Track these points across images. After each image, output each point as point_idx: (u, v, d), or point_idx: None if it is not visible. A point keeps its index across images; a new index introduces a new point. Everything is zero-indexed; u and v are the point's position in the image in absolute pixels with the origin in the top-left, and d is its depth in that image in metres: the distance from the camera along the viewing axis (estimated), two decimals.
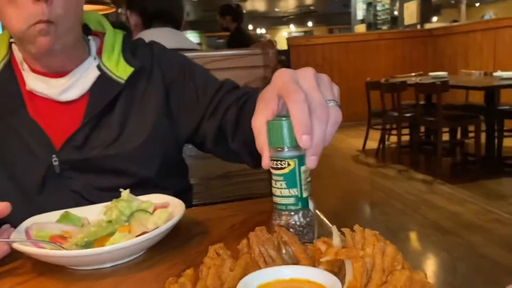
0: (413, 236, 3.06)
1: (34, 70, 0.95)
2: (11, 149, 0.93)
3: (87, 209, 0.77)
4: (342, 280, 0.44)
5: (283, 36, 18.66)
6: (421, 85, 4.39)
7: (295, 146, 0.60)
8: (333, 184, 4.20)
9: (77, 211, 0.76)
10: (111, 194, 0.91)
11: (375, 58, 7.43)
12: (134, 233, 0.64)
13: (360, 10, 11.34)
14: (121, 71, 0.98)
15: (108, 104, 0.96)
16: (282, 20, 21.85)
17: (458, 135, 4.87)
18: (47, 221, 0.72)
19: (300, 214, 0.62)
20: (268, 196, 0.65)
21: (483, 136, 4.28)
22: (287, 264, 0.52)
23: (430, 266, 2.57)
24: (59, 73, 0.95)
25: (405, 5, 8.93)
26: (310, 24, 23.26)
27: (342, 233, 0.53)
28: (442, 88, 4.07)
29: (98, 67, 0.98)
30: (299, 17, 21.43)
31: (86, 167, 0.95)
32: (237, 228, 0.74)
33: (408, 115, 4.66)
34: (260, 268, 0.48)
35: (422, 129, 4.91)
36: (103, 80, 0.97)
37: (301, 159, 0.61)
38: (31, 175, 0.93)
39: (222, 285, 0.45)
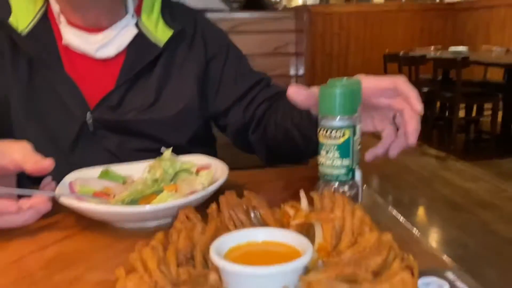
0: (424, 210, 3.07)
1: (71, 23, 0.92)
2: (46, 103, 0.92)
3: (126, 167, 0.76)
4: (311, 242, 0.45)
5: (298, 2, 18.25)
6: (440, 60, 4.30)
7: (350, 115, 0.59)
8: None
9: (116, 168, 0.76)
10: (143, 154, 0.91)
11: (393, 30, 7.25)
12: (181, 192, 0.63)
13: None
14: (160, 33, 0.96)
15: (145, 67, 0.94)
16: None
17: (473, 113, 4.80)
18: (89, 177, 0.72)
19: (348, 185, 0.61)
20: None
21: (499, 115, 4.22)
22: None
23: (441, 240, 2.59)
24: (96, 28, 0.92)
25: None
26: None
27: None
28: (462, 64, 3.98)
29: (136, 25, 0.95)
30: None
31: (120, 128, 0.94)
32: (278, 193, 0.74)
33: (425, 89, 4.58)
34: (230, 231, 0.48)
35: (437, 104, 4.84)
36: (141, 40, 0.95)
37: (355, 129, 0.60)
38: (65, 132, 0.92)
39: (194, 248, 0.45)
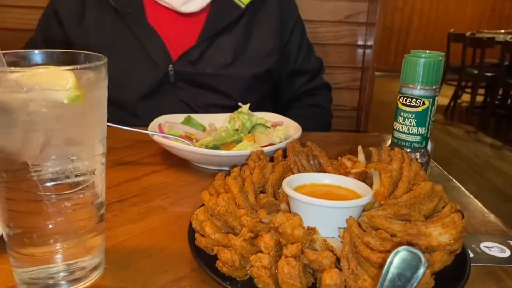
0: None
1: None
2: (128, 51, 0.99)
3: (206, 116, 0.82)
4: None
5: None
6: (510, 44, 4.07)
7: (431, 86, 0.61)
8: None
9: (197, 117, 0.82)
10: (213, 109, 0.98)
11: (460, 8, 6.86)
12: (259, 143, 0.69)
13: None
14: None
15: (226, 26, 0.99)
16: None
17: None
18: (175, 121, 0.78)
19: (420, 153, 0.64)
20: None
21: None
22: None
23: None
24: None
25: None
26: None
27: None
28: None
29: None
30: None
31: (198, 81, 1.00)
32: (340, 152, 0.78)
33: (488, 74, 4.37)
34: (293, 174, 0.54)
35: (500, 91, 4.62)
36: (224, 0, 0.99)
37: (434, 100, 0.62)
38: (147, 79, 0.99)
39: (266, 182, 0.52)
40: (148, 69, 0.99)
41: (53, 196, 0.37)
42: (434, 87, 0.62)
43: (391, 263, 0.30)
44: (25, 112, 0.35)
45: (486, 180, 3.20)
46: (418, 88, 0.61)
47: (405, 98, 0.62)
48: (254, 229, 0.42)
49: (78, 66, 0.37)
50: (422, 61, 0.60)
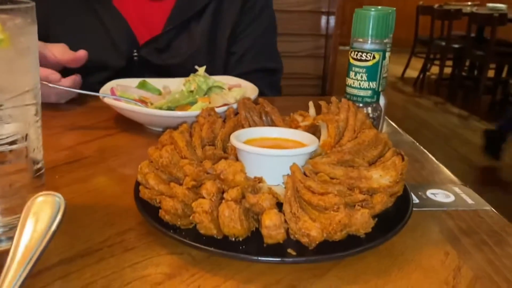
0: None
1: None
2: (92, 33, 0.92)
3: (162, 80, 0.81)
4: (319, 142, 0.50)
5: None
6: (476, 15, 4.14)
7: (381, 39, 0.61)
8: None
9: (153, 81, 0.80)
10: None
11: None
12: (214, 104, 0.68)
13: None
14: None
15: (194, 14, 0.94)
16: None
17: (504, 74, 4.67)
18: (128, 85, 0.77)
19: (372, 107, 0.65)
20: None
21: None
22: None
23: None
24: None
25: None
26: None
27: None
28: (499, 21, 3.84)
29: None
30: None
31: (163, 71, 0.95)
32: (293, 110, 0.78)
33: (456, 46, 4.45)
34: None
35: (467, 63, 4.72)
36: None
37: (384, 54, 0.62)
38: (110, 64, 0.93)
39: (215, 138, 0.51)
40: (111, 54, 0.93)
41: None
42: (384, 41, 0.62)
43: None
44: None
45: (452, 149, 3.29)
46: (369, 42, 0.61)
47: (356, 53, 0.62)
48: (198, 178, 0.41)
49: (2, 7, 0.35)
50: (372, 14, 0.60)
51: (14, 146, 0.38)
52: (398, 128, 0.78)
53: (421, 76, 4.98)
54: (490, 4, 4.98)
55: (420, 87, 4.97)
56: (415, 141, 0.72)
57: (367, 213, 0.39)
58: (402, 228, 0.42)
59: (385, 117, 0.73)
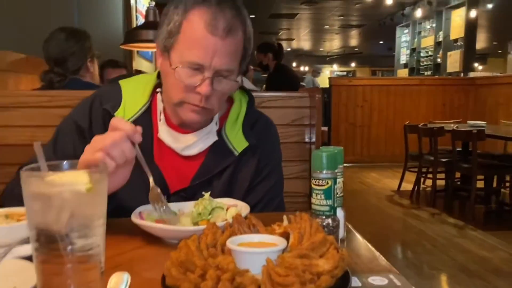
0: (440, 275, 3.18)
1: (168, 122, 1.12)
2: (134, 182, 0.99)
3: (180, 205, 1.05)
4: (288, 242, 0.73)
5: (326, 74, 19.13)
6: (457, 132, 4.55)
7: (332, 170, 0.88)
8: (366, 220, 4.37)
9: (171, 205, 1.05)
10: None
11: (415, 103, 7.59)
12: (216, 220, 0.92)
13: (403, 55, 11.56)
14: (237, 142, 1.13)
15: (217, 173, 1.12)
16: (326, 60, 22.36)
17: (495, 183, 4.93)
18: (152, 210, 1.01)
19: (331, 219, 0.89)
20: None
21: None
22: None
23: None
24: (187, 130, 1.12)
25: (449, 53, 9.09)
26: (353, 64, 23.61)
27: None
28: (478, 136, 4.21)
29: (218, 132, 1.13)
30: (343, 57, 21.85)
31: None
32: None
33: (444, 160, 4.79)
34: None
35: (458, 175, 5.01)
36: (221, 145, 1.12)
37: (335, 180, 0.88)
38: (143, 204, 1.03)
39: (216, 243, 0.74)
40: (146, 198, 1.01)
41: (72, 255, 0.59)
42: (335, 171, 0.88)
43: None
44: (60, 198, 0.59)
45: (451, 258, 3.39)
46: (324, 172, 0.87)
47: (315, 180, 0.88)
48: (204, 269, 0.64)
49: (90, 170, 0.61)
50: (323, 154, 0.87)
51: (91, 251, 0.61)
52: (356, 233, 1.00)
53: (416, 188, 5.24)
54: (471, 122, 5.47)
55: (417, 199, 5.20)
56: (368, 243, 0.94)
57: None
58: None
59: (346, 223, 0.96)
